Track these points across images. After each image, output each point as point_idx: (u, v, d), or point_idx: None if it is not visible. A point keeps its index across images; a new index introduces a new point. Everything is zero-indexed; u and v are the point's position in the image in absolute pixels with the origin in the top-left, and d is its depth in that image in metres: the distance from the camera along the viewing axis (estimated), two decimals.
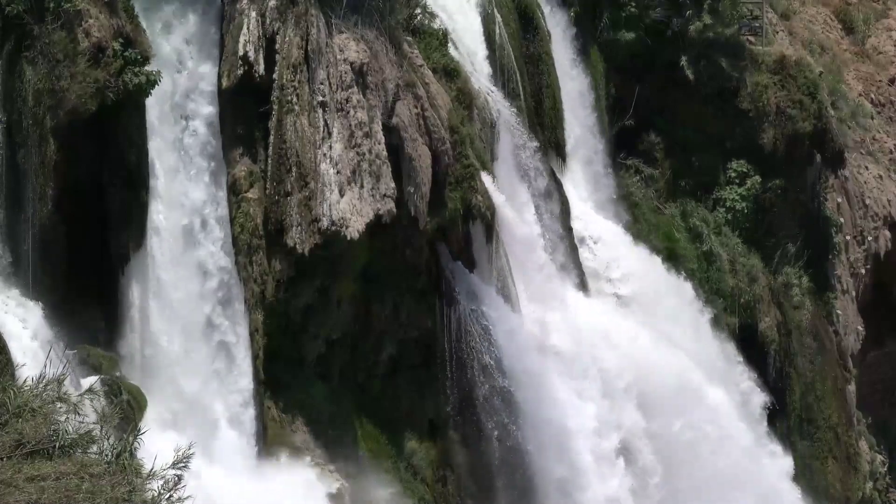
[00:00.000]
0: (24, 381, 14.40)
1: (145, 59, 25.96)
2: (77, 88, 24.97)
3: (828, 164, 44.45)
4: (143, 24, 26.65)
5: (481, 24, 35.53)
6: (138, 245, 26.56)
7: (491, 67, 35.45)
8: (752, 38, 43.60)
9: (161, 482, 12.98)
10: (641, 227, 40.23)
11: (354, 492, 29.54)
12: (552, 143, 37.85)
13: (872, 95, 50.29)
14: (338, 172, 28.69)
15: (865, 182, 47.68)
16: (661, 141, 41.94)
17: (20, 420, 13.26)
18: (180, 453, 13.14)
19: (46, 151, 25.05)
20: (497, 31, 35.65)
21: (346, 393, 30.68)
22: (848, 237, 45.91)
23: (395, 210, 29.45)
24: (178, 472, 13.07)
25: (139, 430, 14.66)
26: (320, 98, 28.79)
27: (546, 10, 38.52)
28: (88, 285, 26.24)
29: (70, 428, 13.39)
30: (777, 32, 45.75)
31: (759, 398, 39.94)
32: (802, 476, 40.94)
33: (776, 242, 42.97)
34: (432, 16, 33.29)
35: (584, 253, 37.28)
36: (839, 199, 45.46)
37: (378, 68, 29.75)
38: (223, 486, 26.25)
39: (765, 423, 39.96)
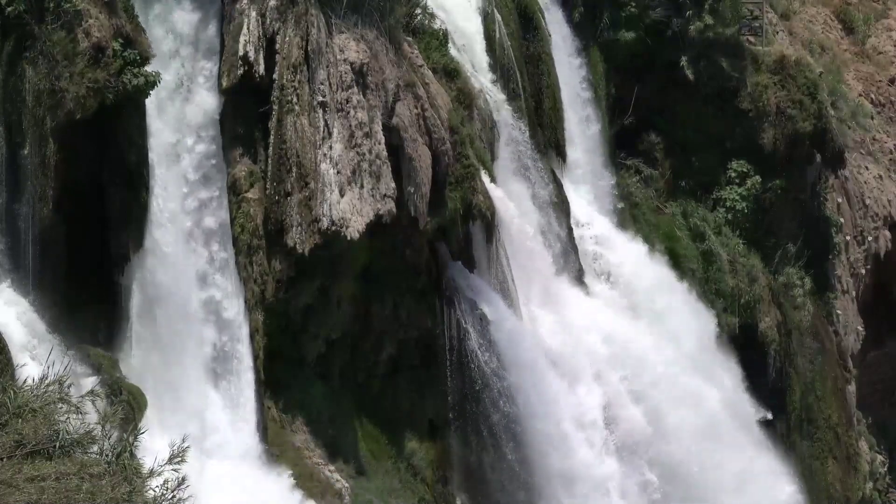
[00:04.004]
0: (25, 381, 14.41)
1: (145, 60, 25.96)
2: (77, 89, 24.96)
3: (828, 164, 44.45)
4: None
5: (481, 24, 35.52)
6: (138, 245, 26.56)
7: (491, 68, 35.44)
8: (752, 38, 43.58)
9: (160, 480, 12.98)
10: (641, 227, 40.23)
11: (355, 492, 29.55)
12: (552, 143, 37.82)
13: (872, 95, 50.30)
14: (338, 172, 28.69)
15: (865, 182, 47.69)
16: (661, 141, 41.93)
17: (20, 420, 13.26)
18: (175, 448, 13.14)
19: (46, 151, 25.03)
20: (497, 31, 35.63)
21: (346, 393, 30.68)
22: (848, 237, 45.91)
23: (395, 210, 29.44)
24: (181, 472, 13.06)
25: (139, 431, 14.65)
26: (320, 98, 28.79)
27: (546, 10, 38.51)
28: (88, 285, 26.23)
29: (70, 428, 13.38)
30: (777, 32, 45.74)
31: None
32: (802, 476, 40.95)
33: (776, 242, 42.97)
34: (432, 16, 33.29)
35: (583, 252, 37.27)
36: (839, 199, 45.47)
37: (378, 68, 29.74)
38: (223, 486, 26.24)
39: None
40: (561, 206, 36.10)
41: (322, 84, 28.78)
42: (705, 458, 36.63)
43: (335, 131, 28.87)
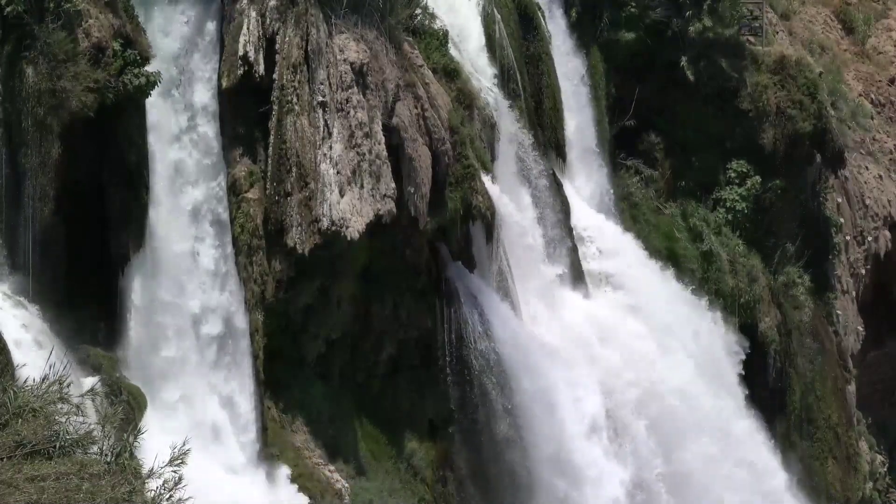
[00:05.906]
0: (25, 381, 14.41)
1: (145, 60, 25.97)
2: (77, 89, 24.97)
3: (828, 164, 44.44)
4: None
5: (481, 24, 35.52)
6: (138, 245, 26.57)
7: (491, 67, 35.44)
8: (752, 38, 43.58)
9: (160, 481, 12.98)
10: (641, 228, 40.22)
11: (354, 492, 29.56)
12: (552, 143, 37.82)
13: (872, 95, 50.30)
14: (338, 172, 28.70)
15: (865, 182, 47.70)
16: (661, 141, 41.92)
17: (20, 420, 13.26)
18: (176, 450, 13.14)
19: (47, 151, 25.05)
20: (497, 31, 35.64)
21: (346, 393, 30.69)
22: (848, 237, 45.91)
23: (395, 210, 29.45)
24: (178, 472, 13.06)
25: (139, 431, 14.65)
26: (320, 98, 28.79)
27: (546, 10, 38.51)
28: (88, 285, 26.23)
29: (70, 428, 13.38)
30: (777, 32, 45.73)
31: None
32: (802, 476, 40.96)
33: (776, 242, 42.95)
34: (432, 16, 33.29)
35: (583, 253, 37.27)
36: (839, 199, 45.47)
37: (378, 68, 29.75)
38: (223, 486, 26.25)
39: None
40: (561, 206, 36.10)
41: (322, 84, 28.79)
42: (711, 456, 36.70)
43: (335, 131, 28.88)
